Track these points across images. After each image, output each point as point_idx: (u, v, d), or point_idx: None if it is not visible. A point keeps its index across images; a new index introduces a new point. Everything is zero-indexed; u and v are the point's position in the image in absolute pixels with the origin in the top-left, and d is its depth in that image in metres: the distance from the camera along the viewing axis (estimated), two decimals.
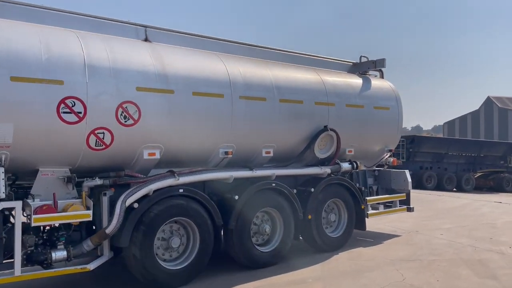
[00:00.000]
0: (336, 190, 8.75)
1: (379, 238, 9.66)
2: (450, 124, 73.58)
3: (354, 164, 9.10)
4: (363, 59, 10.28)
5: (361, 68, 10.26)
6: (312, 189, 8.27)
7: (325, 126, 8.40)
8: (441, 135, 66.67)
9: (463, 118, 70.47)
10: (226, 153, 7.22)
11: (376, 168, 10.45)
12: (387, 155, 10.08)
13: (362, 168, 10.00)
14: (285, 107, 7.90)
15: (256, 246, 7.54)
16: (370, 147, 9.68)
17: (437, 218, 12.37)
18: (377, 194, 10.41)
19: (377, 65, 10.10)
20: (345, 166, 8.95)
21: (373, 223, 10.94)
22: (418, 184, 26.97)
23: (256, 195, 7.44)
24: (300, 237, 8.31)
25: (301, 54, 9.30)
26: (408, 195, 10.21)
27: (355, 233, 9.50)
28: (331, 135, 8.55)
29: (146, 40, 7.15)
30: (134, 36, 7.02)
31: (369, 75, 10.47)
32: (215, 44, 7.97)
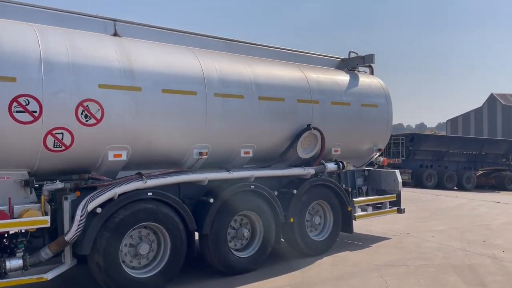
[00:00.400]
0: (321, 192, 8.36)
1: (368, 241, 9.27)
2: (453, 121, 72.93)
3: (340, 164, 8.71)
4: (352, 55, 9.88)
5: (349, 64, 9.87)
6: (295, 191, 7.89)
7: (308, 125, 8.00)
8: (444, 133, 66.26)
9: (466, 116, 69.83)
10: (201, 153, 6.84)
11: (366, 168, 10.05)
12: (376, 154, 9.68)
13: (350, 168, 9.63)
14: (265, 105, 7.51)
15: (234, 252, 7.17)
16: (358, 146, 9.28)
17: (432, 219, 11.96)
18: (367, 195, 10.03)
19: (366, 61, 9.70)
20: (331, 166, 8.56)
21: (363, 225, 10.59)
22: (418, 183, 26.57)
23: (233, 198, 7.07)
24: (283, 240, 7.94)
25: (285, 50, 8.92)
26: (398, 196, 9.82)
27: (343, 236, 9.15)
28: (315, 134, 8.16)
29: (115, 34, 6.77)
30: (102, 30, 6.64)
31: (359, 71, 10.08)
32: (191, 38, 7.59)
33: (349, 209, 8.69)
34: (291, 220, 7.80)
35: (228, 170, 7.14)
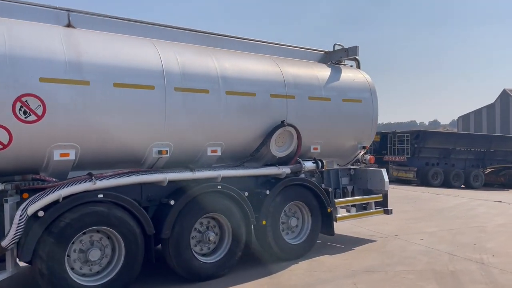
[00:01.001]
0: (297, 192, 7.87)
1: (351, 243, 8.76)
2: (464, 118, 71.60)
3: (319, 162, 8.20)
4: (337, 48, 9.37)
5: (333, 58, 9.36)
6: (268, 192, 7.42)
7: (282, 121, 7.52)
8: (456, 130, 64.97)
9: (478, 112, 68.51)
10: (160, 152, 6.41)
11: (352, 167, 9.54)
12: (361, 152, 9.15)
13: (334, 166, 9.15)
14: (233, 100, 7.05)
15: (199, 257, 6.73)
16: (340, 143, 8.77)
17: (425, 220, 11.38)
18: (353, 195, 9.52)
19: (350, 53, 9.18)
20: (308, 165, 8.06)
21: (351, 227, 10.11)
22: (424, 181, 25.88)
23: (197, 200, 6.62)
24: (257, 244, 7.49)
25: (262, 43, 8.43)
26: (385, 196, 9.27)
27: (326, 238, 8.69)
28: (290, 131, 7.67)
29: (69, 25, 6.35)
30: (53, 21, 6.21)
31: (344, 65, 9.57)
32: (157, 31, 7.16)
33: (329, 210, 8.19)
34: (263, 222, 7.34)
35: (191, 170, 6.68)
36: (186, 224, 6.52)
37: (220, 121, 6.92)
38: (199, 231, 6.85)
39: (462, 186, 26.12)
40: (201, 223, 6.87)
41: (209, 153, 6.95)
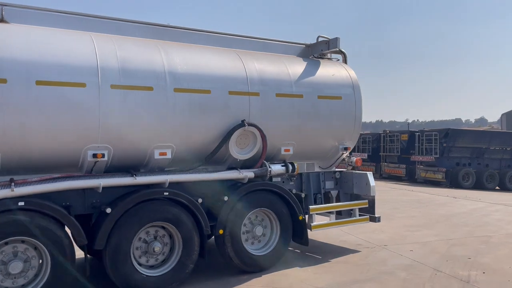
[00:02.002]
0: (263, 198, 7.18)
1: (331, 254, 7.98)
2: (508, 115, 67.85)
3: (290, 166, 7.47)
4: (321, 40, 8.59)
5: (315, 51, 8.60)
6: (226, 198, 6.78)
7: (243, 121, 6.85)
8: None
9: None
10: (95, 156, 5.89)
11: (337, 170, 8.73)
12: (343, 153, 8.32)
13: (317, 169, 8.38)
14: (183, 98, 6.44)
15: (142, 269, 6.17)
16: (317, 144, 7.99)
17: (427, 227, 10.38)
18: (338, 200, 8.72)
19: (331, 46, 8.39)
20: (276, 168, 7.35)
21: (340, 234, 9.33)
22: (454, 183, 24.38)
23: (139, 207, 6.07)
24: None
25: (231, 36, 7.78)
26: (371, 202, 8.41)
27: (305, 248, 7.95)
28: (252, 131, 6.99)
29: (2, 20, 5.94)
30: None
31: (328, 59, 8.78)
32: (104, 24, 6.67)
33: (301, 217, 7.44)
34: (220, 231, 6.70)
35: (132, 175, 6.13)
36: (125, 234, 5.97)
37: (168, 122, 6.32)
38: (145, 241, 6.29)
39: (497, 188, 24.42)
40: (148, 233, 6.31)
41: (156, 156, 6.37)
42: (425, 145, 26.33)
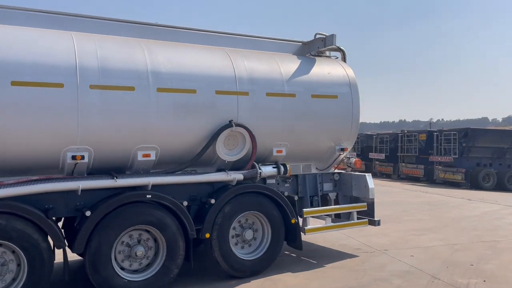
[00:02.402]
0: (252, 201, 6.95)
1: (328, 258, 7.70)
2: None
3: (282, 167, 7.22)
4: (318, 37, 8.30)
5: (312, 49, 8.32)
6: (213, 201, 6.57)
7: (230, 121, 6.64)
8: None
9: None
10: (74, 157, 5.76)
11: (336, 171, 8.43)
12: (340, 154, 8.02)
13: (314, 171, 8.10)
14: (167, 98, 6.26)
15: (124, 274, 6.02)
16: (312, 145, 7.71)
17: (434, 231, 9.96)
18: (336, 203, 8.43)
19: (327, 43, 8.09)
20: (267, 170, 7.12)
21: (341, 238, 9.06)
22: (474, 184, 23.61)
23: (120, 210, 5.92)
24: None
25: (222, 34, 7.58)
26: (371, 205, 8.07)
27: (300, 252, 7.70)
28: (241, 132, 6.77)
29: None
30: None
31: (327, 57, 8.50)
32: (89, 23, 6.55)
33: (293, 221, 7.18)
34: (207, 235, 6.49)
35: (113, 177, 5.98)
36: (105, 238, 5.82)
37: (150, 122, 6.16)
38: (128, 245, 6.13)
39: None
40: (131, 236, 6.15)
41: (140, 158, 6.22)
42: (444, 145, 25.62)
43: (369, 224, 8.06)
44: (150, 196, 6.10)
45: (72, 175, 5.97)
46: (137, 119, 6.08)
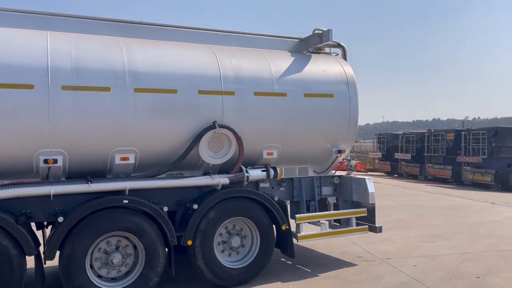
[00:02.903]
0: (240, 206, 6.61)
1: (324, 267, 7.27)
2: None
3: (272, 170, 6.85)
4: (317, 32, 7.88)
5: (309, 45, 7.90)
6: (195, 206, 6.27)
7: (214, 122, 6.32)
8: None
9: None
10: (46, 161, 5.57)
11: (336, 175, 7.98)
12: (338, 157, 7.56)
13: (311, 174, 7.68)
14: (145, 99, 6.00)
15: (100, 282, 5.79)
16: (306, 147, 7.30)
17: (445, 238, 9.35)
18: (336, 208, 7.99)
19: (323, 39, 7.66)
20: (255, 174, 6.75)
21: (345, 244, 8.62)
22: (505, 186, 22.49)
23: (95, 216, 5.69)
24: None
25: (210, 31, 7.27)
26: (371, 211, 7.60)
27: (295, 260, 7.31)
28: (226, 133, 6.44)
29: None
30: None
31: (326, 53, 8.07)
32: (67, 22, 6.34)
33: (284, 227, 6.80)
34: (189, 242, 6.19)
35: (88, 181, 5.75)
36: (79, 245, 5.60)
37: (127, 124, 5.91)
38: (106, 252, 5.90)
39: None
40: (109, 243, 5.92)
41: (118, 161, 5.98)
42: (472, 145, 24.53)
43: (370, 231, 7.59)
44: (127, 201, 5.84)
45: (47, 179, 5.79)
46: (113, 121, 5.84)
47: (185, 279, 6.67)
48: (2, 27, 5.80)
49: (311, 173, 7.72)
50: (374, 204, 7.56)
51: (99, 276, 5.87)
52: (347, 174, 8.02)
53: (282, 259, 7.73)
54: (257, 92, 6.71)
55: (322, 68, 7.41)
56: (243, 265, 6.62)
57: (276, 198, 6.91)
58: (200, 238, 6.28)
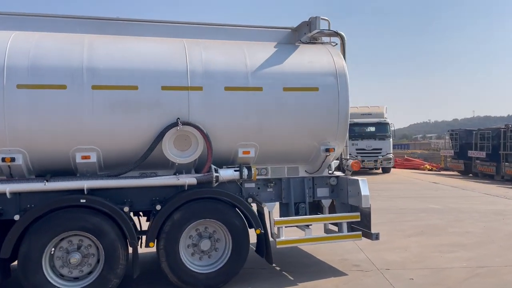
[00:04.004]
0: (209, 208, 6.26)
1: (309, 276, 6.70)
2: None
3: (245, 170, 6.41)
4: (303, 22, 7.28)
5: (301, 35, 7.32)
6: (158, 207, 6.04)
7: (177, 119, 6.04)
8: None
9: None
10: (4, 160, 5.64)
11: (333, 175, 7.35)
12: (327, 155, 6.91)
13: (302, 174, 7.15)
14: (103, 96, 5.87)
15: (57, 282, 5.74)
16: (289, 146, 6.76)
17: (468, 248, 8.23)
18: (333, 211, 7.37)
19: (312, 27, 7.04)
20: (226, 174, 6.36)
21: (353, 250, 8.00)
22: None
23: (52, 215, 5.68)
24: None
25: (179, 24, 6.99)
26: (366, 216, 6.89)
27: (286, 266, 6.86)
28: (191, 131, 6.12)
29: None
30: None
31: (322, 43, 7.44)
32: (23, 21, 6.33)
33: (258, 231, 6.35)
34: (151, 244, 5.98)
35: (45, 180, 5.74)
36: (35, 243, 5.61)
37: (85, 122, 5.82)
38: (67, 251, 5.87)
39: None
40: (70, 242, 5.88)
41: (79, 160, 5.92)
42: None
43: (363, 236, 6.89)
44: (84, 200, 5.75)
45: (11, 177, 5.87)
46: (70, 120, 5.78)
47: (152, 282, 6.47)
48: None
49: (302, 173, 7.16)
50: (368, 208, 6.83)
51: (61, 275, 5.85)
52: (345, 175, 7.36)
53: (274, 264, 7.26)
54: (228, 87, 6.31)
55: (308, 59, 6.82)
56: (212, 270, 6.27)
57: (250, 200, 6.46)
58: (164, 240, 6.04)
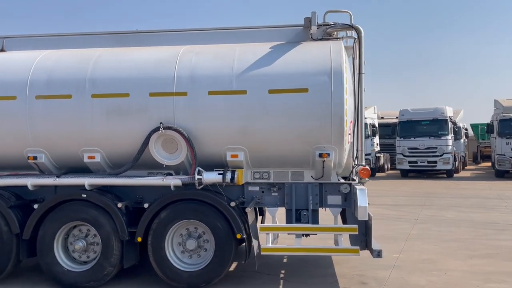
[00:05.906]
0: (193, 209, 6.47)
1: (298, 283, 6.34)
2: None
3: (228, 174, 6.39)
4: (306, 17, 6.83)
5: (312, 32, 6.87)
6: (146, 205, 6.53)
7: (160, 124, 6.40)
8: None
9: None
10: (28, 158, 6.85)
11: (345, 182, 6.77)
12: (323, 160, 6.35)
13: (308, 179, 6.77)
14: (101, 104, 6.60)
15: (65, 263, 6.69)
16: (279, 149, 6.45)
17: (494, 264, 6.52)
18: (345, 222, 6.81)
19: (312, 23, 6.56)
20: (209, 177, 6.42)
21: (374, 265, 7.27)
22: None
23: (62, 207, 6.67)
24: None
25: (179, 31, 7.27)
26: (366, 228, 6.19)
27: (284, 274, 6.69)
28: (173, 135, 6.41)
29: (1, 50, 7.62)
30: None
31: (337, 39, 6.92)
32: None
33: (239, 236, 6.28)
34: (138, 239, 6.51)
35: (56, 176, 6.76)
36: (48, 229, 6.65)
37: (88, 127, 6.64)
38: (78, 237, 6.82)
39: None
40: (80, 230, 6.83)
41: (86, 159, 6.80)
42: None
43: (361, 249, 6.20)
44: (85, 195, 6.60)
45: (41, 173, 7.07)
46: (75, 124, 6.65)
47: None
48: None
49: (308, 179, 6.76)
50: (366, 220, 6.10)
51: (74, 258, 6.82)
52: (358, 182, 6.68)
53: (283, 271, 7.05)
54: (212, 91, 6.38)
55: (302, 58, 6.40)
56: (195, 269, 6.47)
57: (232, 204, 6.41)
58: (151, 236, 6.49)
